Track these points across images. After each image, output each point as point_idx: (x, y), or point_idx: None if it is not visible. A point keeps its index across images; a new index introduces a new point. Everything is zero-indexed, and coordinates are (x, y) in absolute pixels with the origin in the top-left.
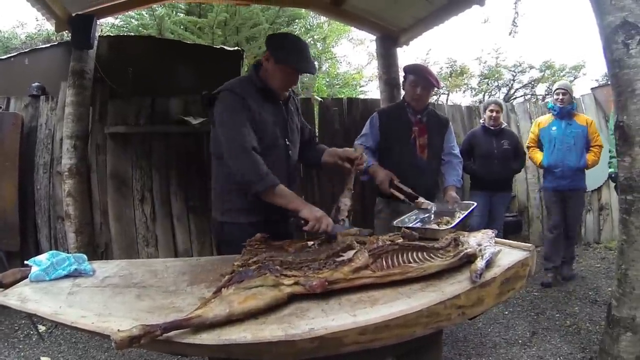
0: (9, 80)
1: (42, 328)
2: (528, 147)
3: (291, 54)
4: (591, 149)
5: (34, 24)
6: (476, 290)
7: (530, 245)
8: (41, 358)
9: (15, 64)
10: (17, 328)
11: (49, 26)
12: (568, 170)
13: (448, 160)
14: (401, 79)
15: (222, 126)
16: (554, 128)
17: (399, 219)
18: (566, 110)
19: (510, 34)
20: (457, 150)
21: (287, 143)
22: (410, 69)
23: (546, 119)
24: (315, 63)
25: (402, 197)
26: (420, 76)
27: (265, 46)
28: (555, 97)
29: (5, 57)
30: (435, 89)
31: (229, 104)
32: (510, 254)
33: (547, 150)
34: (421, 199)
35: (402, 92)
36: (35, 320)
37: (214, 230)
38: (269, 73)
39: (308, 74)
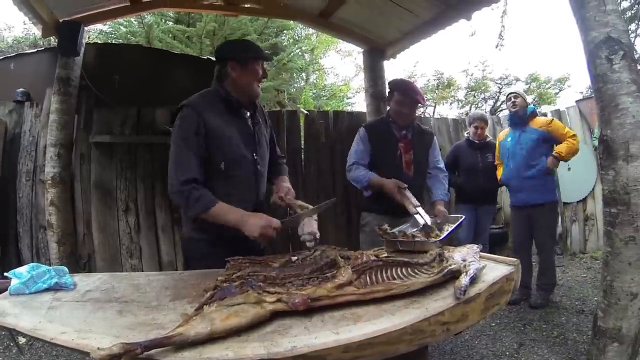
0: None
1: (22, 340)
2: (495, 165)
3: (250, 49)
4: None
5: (21, 28)
6: (460, 306)
7: (515, 259)
8: None
9: (0, 68)
10: None
11: (37, 31)
12: (524, 181)
13: (434, 174)
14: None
15: (172, 145)
16: (508, 139)
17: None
18: (518, 117)
19: (496, 47)
20: (442, 164)
21: (255, 157)
22: (396, 86)
23: (505, 131)
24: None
25: (412, 208)
26: (407, 95)
27: (223, 58)
28: (507, 104)
29: None
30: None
31: (183, 124)
32: (495, 269)
33: (504, 164)
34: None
35: (387, 107)
36: (14, 334)
37: (183, 246)
38: (238, 80)
39: (295, 86)
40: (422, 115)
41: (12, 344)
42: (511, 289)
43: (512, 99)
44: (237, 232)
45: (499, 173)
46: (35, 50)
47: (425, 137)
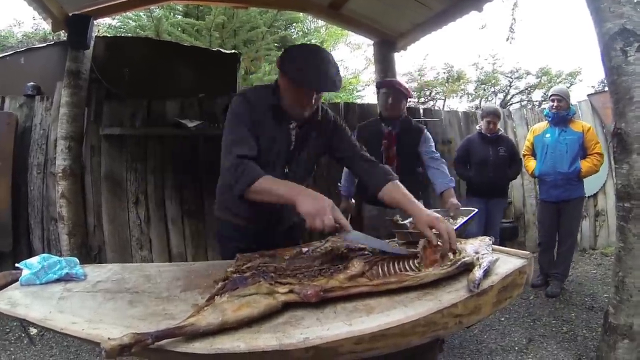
0: (4, 79)
1: (33, 331)
2: (523, 156)
3: (302, 68)
4: (588, 156)
5: (31, 23)
6: (473, 298)
7: (527, 252)
8: None
9: (10, 62)
10: (8, 330)
11: (46, 25)
12: (561, 179)
13: (430, 165)
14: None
15: (226, 127)
16: (547, 135)
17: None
18: (560, 116)
19: (507, 39)
20: (437, 154)
21: (286, 171)
22: (382, 83)
23: (541, 126)
24: (340, 79)
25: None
26: (391, 87)
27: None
28: (550, 103)
29: (1, 55)
30: (408, 99)
31: (236, 107)
32: (507, 262)
33: (540, 159)
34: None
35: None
36: (25, 324)
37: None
38: (282, 90)
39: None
40: (433, 108)
41: (23, 335)
42: (524, 282)
43: (556, 102)
44: (261, 222)
45: (531, 166)
46: (45, 44)
47: (413, 132)
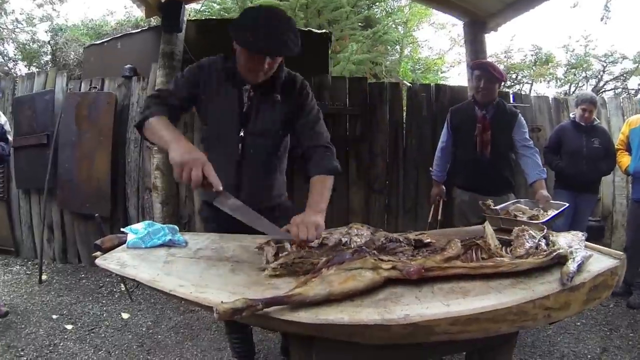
0: (103, 63)
1: (122, 288)
2: (617, 150)
3: (244, 30)
4: None
5: (122, 12)
6: (565, 293)
7: (621, 253)
8: (122, 314)
9: (109, 48)
10: (101, 285)
11: (137, 13)
12: None
13: (523, 153)
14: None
15: None
16: None
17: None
18: None
19: (601, 19)
20: (530, 142)
21: (241, 135)
22: (475, 65)
23: (638, 118)
24: (294, 42)
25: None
26: (484, 70)
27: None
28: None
29: (99, 41)
30: (502, 82)
31: (185, 71)
32: (600, 261)
33: (635, 154)
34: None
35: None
36: (125, 281)
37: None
38: (238, 57)
39: (390, 59)
40: (521, 93)
41: (115, 290)
42: (614, 284)
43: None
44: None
45: (624, 162)
46: (140, 30)
47: (507, 117)
